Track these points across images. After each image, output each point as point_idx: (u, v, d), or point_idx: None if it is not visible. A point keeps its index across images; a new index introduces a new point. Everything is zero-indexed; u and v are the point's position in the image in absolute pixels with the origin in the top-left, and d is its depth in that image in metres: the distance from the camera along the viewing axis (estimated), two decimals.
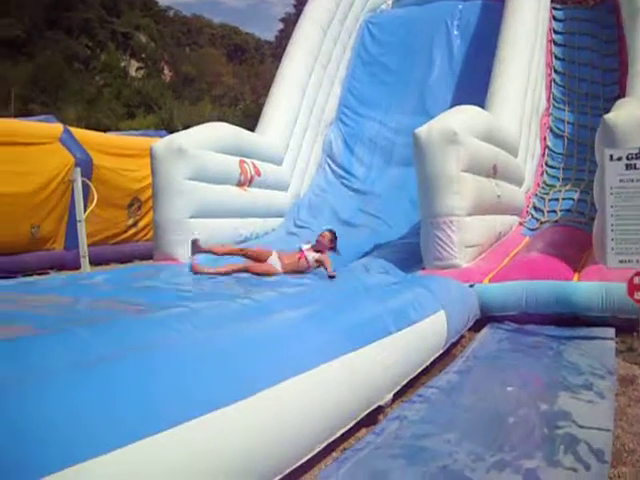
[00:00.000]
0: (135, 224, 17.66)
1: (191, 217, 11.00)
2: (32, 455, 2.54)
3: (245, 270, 9.20)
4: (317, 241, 9.66)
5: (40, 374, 3.14)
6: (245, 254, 9.70)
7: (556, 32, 17.03)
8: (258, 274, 9.12)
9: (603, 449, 4.41)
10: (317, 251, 9.52)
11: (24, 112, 34.88)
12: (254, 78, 53.30)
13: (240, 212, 12.25)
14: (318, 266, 9.41)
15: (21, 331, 4.52)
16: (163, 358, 3.66)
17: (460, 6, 17.83)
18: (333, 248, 9.81)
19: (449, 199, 9.64)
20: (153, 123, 44.18)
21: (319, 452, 4.51)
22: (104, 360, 3.47)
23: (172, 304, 5.66)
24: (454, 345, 7.93)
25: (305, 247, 9.59)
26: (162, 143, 11.35)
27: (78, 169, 13.79)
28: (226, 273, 9.06)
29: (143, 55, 70.94)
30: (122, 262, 16.05)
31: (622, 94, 13.31)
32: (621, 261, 7.85)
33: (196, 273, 9.09)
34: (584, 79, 16.12)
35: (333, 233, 9.86)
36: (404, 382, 6.07)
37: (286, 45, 16.37)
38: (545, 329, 8.47)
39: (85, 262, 13.01)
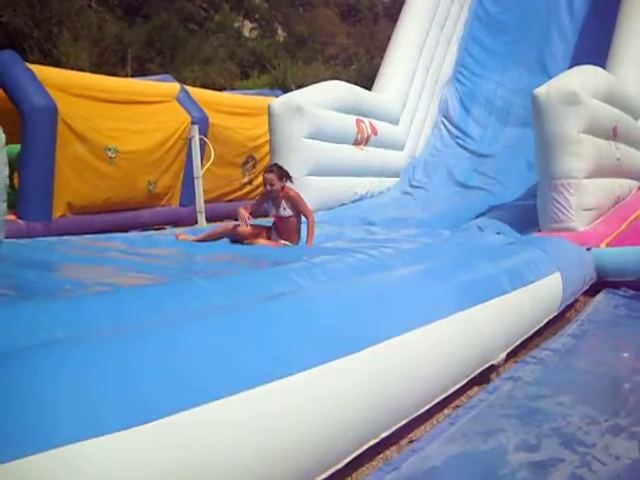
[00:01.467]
0: (250, 182, 17.85)
1: (308, 175, 11.12)
2: (180, 388, 2.67)
3: (234, 234, 8.16)
4: (269, 190, 7.96)
5: (165, 321, 3.25)
6: (237, 233, 8.17)
7: None
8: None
9: None
10: (276, 198, 7.99)
11: (140, 72, 35.48)
12: (368, 38, 52.95)
13: (356, 171, 12.33)
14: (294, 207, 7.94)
15: (144, 280, 4.66)
16: (286, 308, 3.74)
17: None
18: (287, 178, 8.02)
19: (567, 161, 9.48)
20: (267, 83, 44.32)
21: (432, 408, 4.54)
22: (229, 309, 3.58)
23: (289, 259, 5.75)
24: (568, 308, 7.85)
25: (273, 214, 8.15)
26: (280, 101, 11.50)
27: (196, 127, 13.98)
28: (211, 238, 8.19)
29: (257, 15, 71.08)
30: (237, 219, 16.23)
31: None
32: None
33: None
34: None
35: (276, 166, 8.25)
36: (518, 342, 6.06)
37: (400, 5, 16.29)
38: None
39: (202, 217, 13.25)
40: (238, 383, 2.89)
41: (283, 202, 7.94)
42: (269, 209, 8.31)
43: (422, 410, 4.37)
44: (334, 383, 3.42)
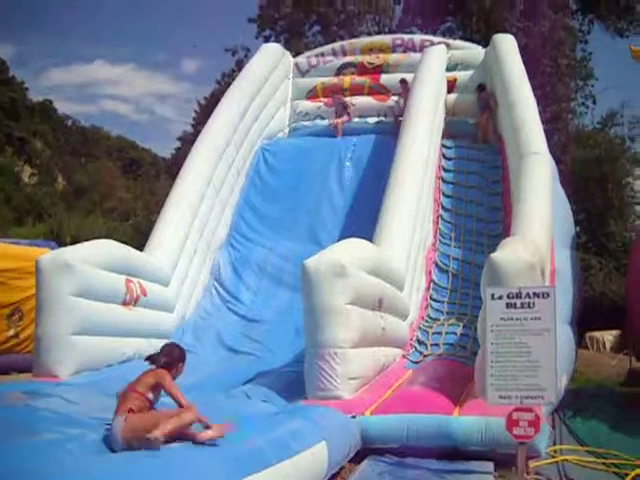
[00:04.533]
0: (16, 335, 17.15)
1: (74, 334, 10.79)
2: None
3: None
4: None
5: None
6: None
7: (445, 170, 17.70)
8: None
9: None
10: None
11: None
12: (147, 194, 53.07)
13: (124, 331, 12.07)
14: None
15: None
16: None
17: (354, 139, 18.58)
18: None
19: (334, 331, 9.73)
20: (42, 232, 43.38)
21: None
22: None
23: (46, 428, 5.53)
24: (334, 477, 7.89)
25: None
26: (49, 257, 11.24)
27: None
28: None
29: (37, 161, 70.32)
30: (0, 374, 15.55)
31: (506, 232, 13.78)
32: (501, 397, 8.04)
33: None
34: (470, 216, 16.68)
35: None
36: None
37: (182, 164, 16.47)
38: (425, 462, 8.51)
39: None
40: None
41: None
42: None
43: None
44: None
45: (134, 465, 4.47)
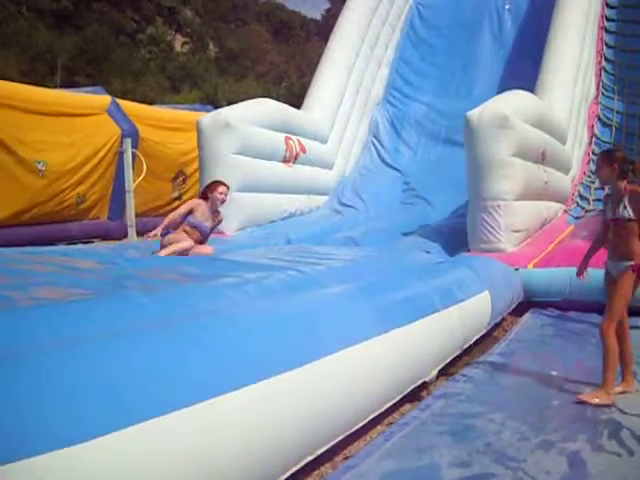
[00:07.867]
0: (179, 197, 17.67)
1: (237, 191, 11.04)
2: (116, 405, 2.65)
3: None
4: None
5: (102, 336, 3.22)
6: None
7: (608, 19, 16.84)
8: None
9: None
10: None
11: (69, 83, 34.91)
12: (299, 56, 52.93)
13: (285, 188, 12.31)
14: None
15: (76, 295, 4.56)
16: (220, 324, 3.71)
17: None
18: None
19: (497, 183, 9.65)
20: (197, 98, 44.09)
21: (365, 425, 4.56)
22: (164, 325, 3.54)
23: (223, 274, 5.69)
24: (496, 327, 7.94)
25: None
26: (209, 117, 11.45)
27: (129, 140, 13.75)
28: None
29: (188, 30, 70.93)
30: None
31: None
32: None
33: None
34: (635, 67, 15.92)
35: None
36: (448, 359, 6.12)
37: (332, 24, 16.31)
38: (588, 317, 8.40)
39: (132, 231, 13.07)
40: (176, 400, 2.87)
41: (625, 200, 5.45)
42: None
43: (356, 427, 4.39)
44: (270, 401, 3.41)
45: (304, 306, 4.58)
